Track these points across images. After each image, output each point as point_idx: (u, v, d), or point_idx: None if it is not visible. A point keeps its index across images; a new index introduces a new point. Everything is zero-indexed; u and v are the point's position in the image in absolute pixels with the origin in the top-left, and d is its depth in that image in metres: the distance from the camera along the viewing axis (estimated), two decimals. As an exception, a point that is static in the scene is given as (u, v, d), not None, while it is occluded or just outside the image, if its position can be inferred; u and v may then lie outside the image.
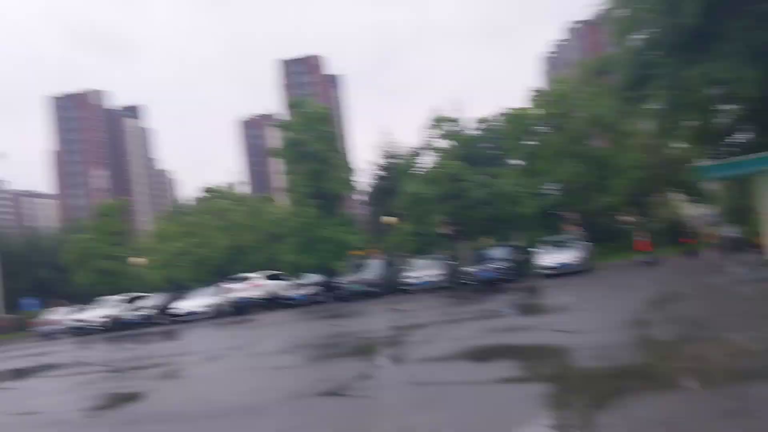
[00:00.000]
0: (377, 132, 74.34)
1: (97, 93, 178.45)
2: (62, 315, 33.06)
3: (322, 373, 9.55)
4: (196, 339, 20.07)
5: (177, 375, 11.56)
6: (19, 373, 16.40)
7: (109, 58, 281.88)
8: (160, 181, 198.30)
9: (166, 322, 29.36)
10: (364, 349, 11.79)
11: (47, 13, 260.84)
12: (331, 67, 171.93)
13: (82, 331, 30.62)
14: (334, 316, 20.67)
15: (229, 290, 28.75)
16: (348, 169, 38.86)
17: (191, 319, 28.07)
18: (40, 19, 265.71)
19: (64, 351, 22.15)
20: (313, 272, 31.64)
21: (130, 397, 9.82)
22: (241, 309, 28.34)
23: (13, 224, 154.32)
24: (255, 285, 28.53)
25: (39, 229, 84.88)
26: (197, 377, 11.11)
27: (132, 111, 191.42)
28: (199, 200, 46.92)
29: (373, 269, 28.11)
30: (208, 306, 28.29)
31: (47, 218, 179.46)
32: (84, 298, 42.22)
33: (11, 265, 50.50)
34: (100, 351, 20.13)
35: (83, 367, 15.35)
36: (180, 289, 33.68)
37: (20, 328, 40.77)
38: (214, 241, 39.52)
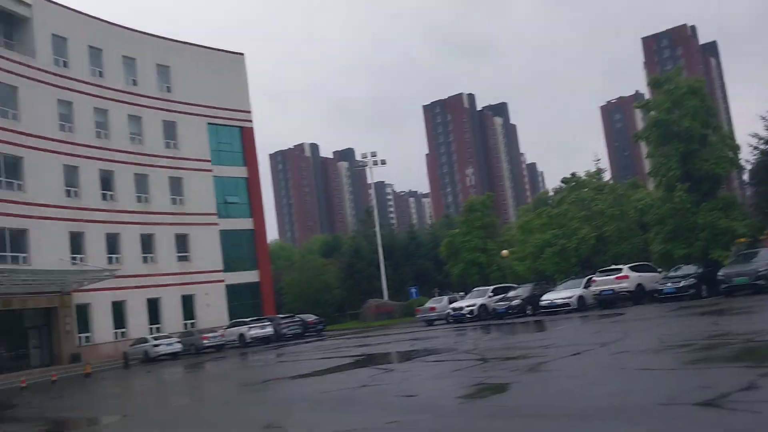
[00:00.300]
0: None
1: (463, 96, 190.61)
2: (440, 303, 36.04)
3: (699, 380, 8.43)
4: (559, 332, 19.87)
5: (540, 368, 11.46)
6: (402, 356, 18.20)
7: (472, 60, 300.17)
8: (525, 175, 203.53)
9: (531, 313, 29.86)
10: (753, 354, 10.16)
11: (415, 23, 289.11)
12: (704, 36, 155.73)
13: (456, 319, 32.95)
14: (713, 313, 18.46)
15: (594, 282, 27.92)
16: (727, 146, 34.39)
17: (555, 311, 28.03)
18: (410, 30, 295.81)
19: (440, 337, 24.03)
20: (687, 263, 28.95)
21: (496, 389, 10.03)
22: (607, 302, 27.32)
23: (398, 222, 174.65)
24: (621, 277, 27.18)
25: (418, 225, 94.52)
26: (560, 372, 10.84)
27: (496, 109, 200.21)
28: (562, 191, 46.81)
29: (763, 259, 24.36)
30: (573, 298, 27.90)
31: (425, 215, 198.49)
32: (457, 287, 45.62)
33: (396, 258, 57.13)
34: (470, 339, 21.28)
35: (455, 354, 16.36)
36: (545, 281, 34.00)
37: (406, 314, 45.74)
38: (577, 232, 38.86)
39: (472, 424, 7.62)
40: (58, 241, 37.93)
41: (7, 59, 37.44)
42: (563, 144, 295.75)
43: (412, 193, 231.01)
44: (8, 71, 37.24)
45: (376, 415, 8.98)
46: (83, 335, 39.04)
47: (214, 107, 49.56)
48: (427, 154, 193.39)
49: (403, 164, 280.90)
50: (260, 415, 10.60)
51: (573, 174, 44.55)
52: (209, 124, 49.39)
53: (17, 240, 36.20)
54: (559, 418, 7.26)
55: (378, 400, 10.43)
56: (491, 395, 9.54)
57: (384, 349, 22.13)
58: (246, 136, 52.04)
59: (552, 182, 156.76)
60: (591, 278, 28.58)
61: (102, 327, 40.08)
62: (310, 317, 44.04)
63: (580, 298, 27.93)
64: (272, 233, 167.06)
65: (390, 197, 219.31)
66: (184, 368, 27.96)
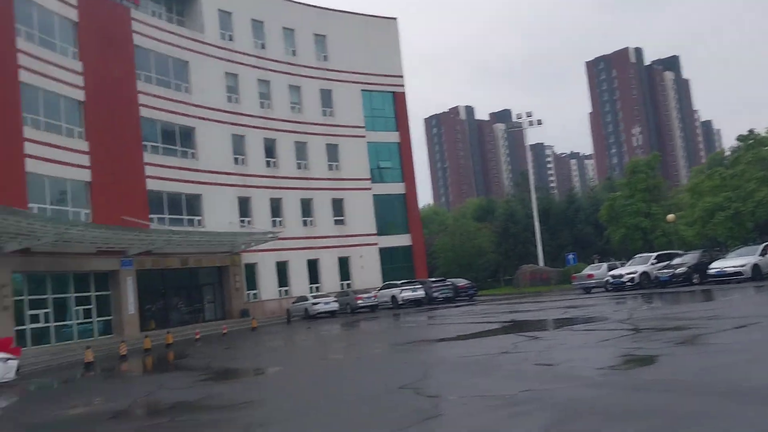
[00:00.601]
0: None
1: (629, 50, 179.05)
2: (599, 270, 34.46)
3: None
4: (727, 302, 18.24)
5: (696, 341, 10.57)
6: (550, 324, 17.62)
7: (638, 14, 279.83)
8: (698, 134, 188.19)
9: (697, 282, 27.71)
10: None
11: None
12: None
13: (615, 287, 31.36)
14: None
15: (772, 249, 25.26)
16: None
17: (726, 280, 25.77)
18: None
19: (595, 305, 22.99)
20: None
21: (642, 361, 9.39)
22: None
23: (558, 185, 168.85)
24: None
25: (580, 189, 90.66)
26: (718, 346, 9.91)
27: (666, 63, 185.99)
28: (738, 150, 42.54)
29: None
30: (746, 266, 25.45)
31: (588, 178, 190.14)
32: (617, 254, 43.30)
33: (553, 223, 55.25)
34: (627, 308, 20.14)
35: (607, 323, 15.55)
36: (715, 248, 31.28)
37: (563, 281, 44.31)
38: (754, 195, 35.24)
39: (610, 396, 7.16)
40: (228, 205, 40.78)
41: (180, 35, 40.41)
42: (745, 100, 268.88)
43: (574, 155, 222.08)
44: (180, 47, 40.21)
45: (511, 382, 8.74)
46: (251, 292, 41.93)
47: (368, 73, 50.39)
48: (590, 113, 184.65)
49: (564, 125, 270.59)
50: (399, 375, 10.72)
51: (750, 131, 40.30)
52: (363, 90, 50.33)
53: (192, 204, 39.41)
54: (708, 396, 6.61)
55: (516, 367, 10.16)
56: (636, 367, 8.94)
57: (534, 316, 21.61)
58: (398, 101, 52.46)
59: (730, 141, 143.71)
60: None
61: (267, 285, 42.79)
62: (462, 281, 44.00)
63: (755, 266, 25.41)
64: (426, 198, 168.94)
65: (549, 159, 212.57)
66: (340, 326, 29.17)
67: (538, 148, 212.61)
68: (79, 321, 31.58)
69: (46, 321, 29.68)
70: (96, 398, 12.70)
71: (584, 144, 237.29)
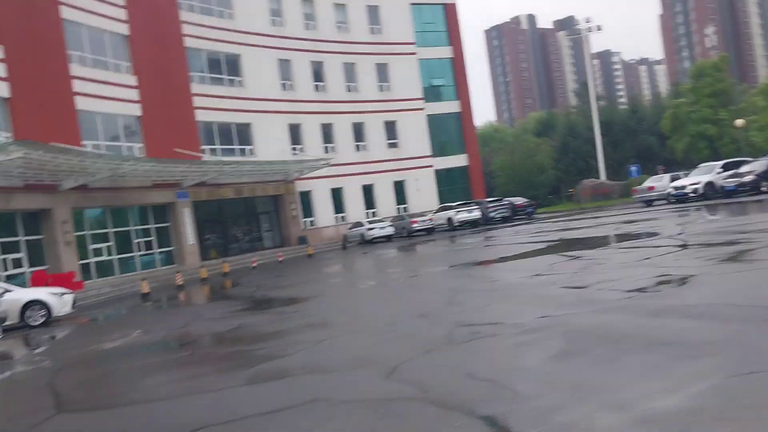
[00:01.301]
0: None
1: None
2: (661, 182, 32.96)
3: None
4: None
5: (741, 258, 9.78)
6: (597, 242, 16.88)
7: None
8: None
9: (766, 190, 26.07)
10: None
11: None
12: None
13: (677, 199, 29.99)
14: None
15: None
16: None
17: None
18: None
19: (652, 219, 21.99)
20: None
21: (676, 282, 8.73)
22: None
23: (627, 94, 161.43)
24: None
25: (651, 96, 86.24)
26: (762, 263, 9.11)
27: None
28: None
29: None
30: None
31: (659, 85, 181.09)
32: (683, 165, 41.20)
33: (615, 134, 52.93)
34: (683, 221, 19.11)
35: (655, 240, 14.74)
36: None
37: (625, 195, 42.78)
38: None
39: (625, 322, 6.64)
40: (279, 133, 40.71)
41: (220, -40, 39.58)
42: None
43: (643, 61, 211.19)
44: (221, -28, 39.42)
45: (530, 308, 8.30)
46: (308, 219, 42.34)
47: (416, -14, 48.46)
48: (660, 15, 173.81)
49: (633, 30, 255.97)
50: (424, 302, 10.48)
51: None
52: (412, 4, 48.49)
53: (243, 134, 39.53)
54: (732, 322, 6.00)
55: (542, 291, 9.69)
56: (666, 289, 8.30)
57: (585, 233, 20.83)
58: (449, 13, 50.40)
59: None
60: None
61: (323, 212, 43.06)
62: (520, 200, 43.08)
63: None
64: (489, 115, 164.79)
65: (617, 67, 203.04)
66: (392, 250, 29.12)
67: (605, 56, 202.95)
68: (141, 253, 32.68)
69: (109, 254, 30.83)
70: (135, 330, 12.99)
71: (654, 49, 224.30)
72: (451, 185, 48.90)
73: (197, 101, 36.49)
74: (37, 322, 17.18)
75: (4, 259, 25.04)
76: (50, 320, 17.30)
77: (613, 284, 9.12)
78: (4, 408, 7.46)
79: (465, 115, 50.13)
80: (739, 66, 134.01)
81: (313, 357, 7.45)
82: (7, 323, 16.65)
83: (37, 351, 11.99)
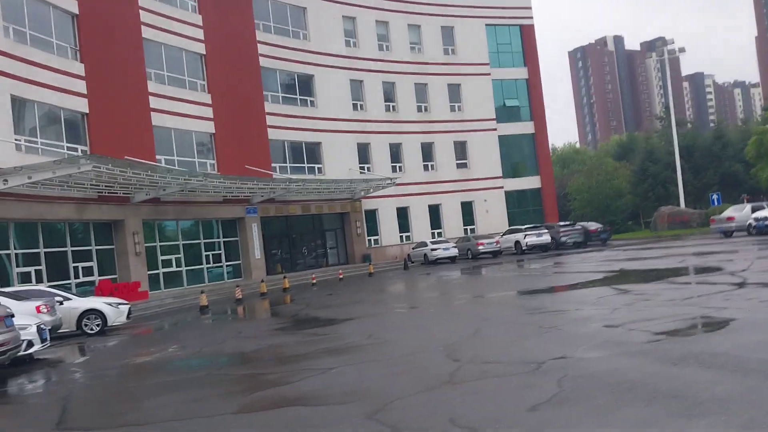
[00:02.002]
0: None
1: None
2: (741, 212, 31.10)
3: None
4: None
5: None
6: (654, 275, 15.95)
7: None
8: None
9: None
10: None
11: None
12: None
13: (758, 231, 28.20)
14: None
15: None
16: None
17: None
18: None
19: (723, 252, 20.69)
20: None
21: (713, 325, 8.05)
22: None
23: (718, 118, 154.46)
24: None
25: (733, 121, 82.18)
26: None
27: None
28: None
29: None
30: None
31: (755, 108, 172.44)
32: (757, 194, 38.69)
33: (697, 160, 50.48)
34: (754, 257, 17.85)
35: (716, 275, 13.79)
36: None
37: (705, 224, 40.63)
38: None
39: (638, 370, 6.12)
40: (347, 152, 41.02)
41: (296, -17, 40.50)
42: None
43: (738, 84, 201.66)
44: (296, -6, 40.31)
45: (556, 345, 7.89)
46: (372, 238, 42.36)
47: (492, 6, 47.96)
48: (756, 37, 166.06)
49: (729, 52, 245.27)
50: (450, 332, 10.14)
51: None
52: (487, 25, 48.08)
53: (313, 152, 40.08)
54: (753, 375, 5.41)
55: (575, 328, 9.18)
56: (698, 333, 7.67)
57: (648, 264, 19.80)
58: (526, 34, 49.66)
59: None
60: None
61: (388, 231, 42.99)
62: (593, 225, 41.61)
63: None
64: (571, 136, 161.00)
65: (709, 90, 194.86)
66: (453, 272, 28.64)
67: (697, 78, 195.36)
68: (209, 265, 33.51)
69: (178, 265, 31.75)
70: (174, 345, 13.18)
71: (751, 72, 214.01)
72: (522, 207, 47.91)
73: (270, 120, 37.29)
74: (93, 331, 17.80)
75: (76, 267, 26.17)
76: (106, 329, 17.88)
77: (648, 324, 8.51)
78: (7, 421, 7.62)
79: (539, 136, 49.06)
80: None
81: (314, 386, 7.25)
82: (64, 330, 17.33)
83: (76, 362, 12.34)
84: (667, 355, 6.60)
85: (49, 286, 23.14)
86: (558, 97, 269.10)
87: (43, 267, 24.38)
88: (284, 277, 29.32)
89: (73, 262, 26.14)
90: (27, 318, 13.32)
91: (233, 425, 5.94)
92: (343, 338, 11.21)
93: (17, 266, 23.19)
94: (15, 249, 23.21)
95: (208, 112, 33.91)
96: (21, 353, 12.51)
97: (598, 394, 5.48)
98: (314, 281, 30.52)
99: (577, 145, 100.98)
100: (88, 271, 26.85)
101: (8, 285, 21.60)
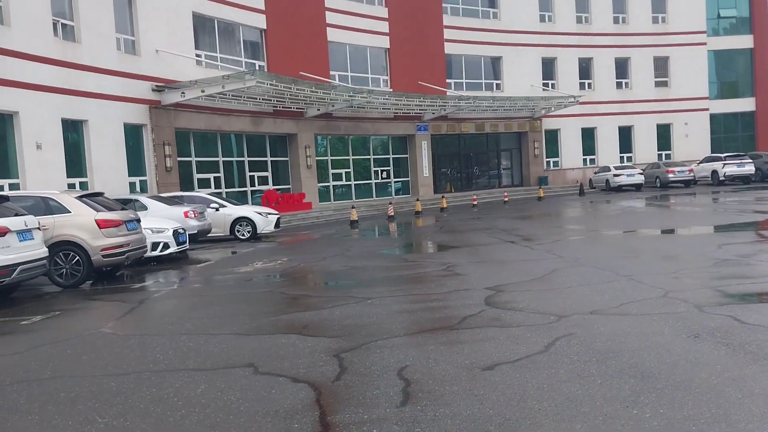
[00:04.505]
0: None
1: None
2: None
3: None
4: None
5: None
6: None
7: None
8: None
9: None
10: None
11: None
12: None
13: None
14: None
15: None
16: None
17: None
18: None
19: None
20: None
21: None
22: None
23: None
24: None
25: None
26: None
27: None
28: None
29: None
30: None
31: None
32: None
33: None
34: None
35: None
36: None
37: None
38: None
39: (652, 345, 5.18)
40: (530, 67, 38.90)
41: None
42: None
43: None
44: None
45: (606, 298, 6.96)
46: (551, 159, 40.40)
47: None
48: None
49: None
50: (524, 272, 9.42)
51: None
52: None
53: (492, 68, 38.61)
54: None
55: (653, 279, 8.03)
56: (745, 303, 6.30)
57: None
58: (754, -71, 42.52)
59: None
60: None
61: (570, 153, 40.63)
62: (817, 155, 35.79)
63: None
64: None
65: None
66: (633, 201, 26.55)
67: None
68: (378, 180, 34.39)
69: (347, 180, 32.98)
70: (288, 257, 13.83)
71: None
72: (729, 133, 42.56)
73: (448, 33, 36.36)
74: (245, 237, 19.26)
75: (252, 177, 28.26)
76: (257, 234, 19.24)
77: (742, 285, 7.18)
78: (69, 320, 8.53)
79: (759, 51, 42.54)
80: None
81: (332, 315, 7.16)
82: (218, 234, 18.98)
83: (198, 267, 13.43)
84: (693, 330, 5.52)
85: (227, 193, 25.52)
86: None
87: (221, 174, 26.65)
88: (443, 197, 29.21)
89: (250, 172, 28.21)
90: (166, 222, 14.71)
91: (223, 344, 6.06)
92: (425, 266, 10.95)
93: (197, 172, 25.57)
94: (195, 156, 25.54)
95: (384, 26, 33.86)
96: (156, 254, 13.98)
97: (603, 378, 4.73)
98: (475, 202, 30.05)
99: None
100: (263, 181, 28.88)
101: (191, 189, 23.96)
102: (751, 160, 33.99)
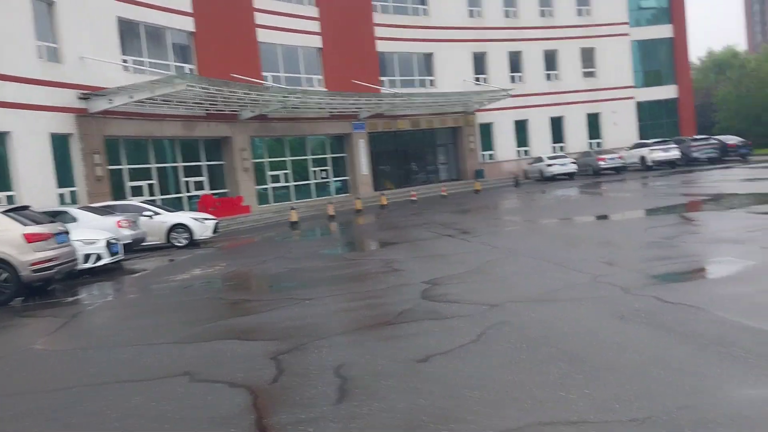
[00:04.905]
0: None
1: None
2: None
3: None
4: None
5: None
6: (736, 203, 14.10)
7: None
8: None
9: None
10: None
11: None
12: None
13: None
14: None
15: None
16: None
17: None
18: None
19: None
20: None
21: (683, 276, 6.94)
22: None
23: None
24: None
25: None
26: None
27: None
28: None
29: None
30: None
31: None
32: None
33: None
34: None
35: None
36: None
37: None
38: None
39: (540, 316, 5.38)
40: (462, 62, 39.44)
41: None
42: None
43: None
44: None
45: (530, 288, 7.16)
46: (487, 153, 41.08)
47: None
48: None
49: None
50: (456, 264, 9.60)
51: None
52: None
53: (424, 64, 38.96)
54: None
55: (567, 259, 8.31)
56: (668, 282, 6.62)
57: (754, 188, 17.60)
58: (668, -76, 44.20)
59: None
60: None
61: (504, 145, 41.41)
62: (733, 139, 37.52)
63: None
64: (737, 38, 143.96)
65: None
66: (564, 189, 27.28)
67: None
68: (317, 181, 34.28)
69: (286, 181, 32.74)
70: (225, 263, 13.68)
71: None
72: (655, 120, 44.19)
73: (379, 31, 36.51)
74: (182, 244, 18.91)
75: (187, 182, 27.74)
76: (195, 241, 18.91)
77: (636, 266, 7.51)
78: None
79: (679, 40, 44.33)
80: None
81: (271, 318, 7.15)
82: (154, 242, 18.57)
83: (133, 277, 13.12)
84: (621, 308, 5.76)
85: (162, 200, 24.96)
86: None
87: (155, 181, 26.06)
88: (382, 195, 29.36)
89: (185, 177, 27.68)
90: (98, 233, 14.31)
91: (159, 354, 5.97)
92: (364, 264, 11.02)
93: (130, 180, 24.94)
94: (127, 164, 24.90)
95: (315, 26, 33.75)
96: (89, 265, 13.58)
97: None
98: (414, 198, 30.32)
99: (739, 49, 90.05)
100: (199, 186, 28.37)
101: (122, 198, 23.33)
102: (676, 146, 35.41)
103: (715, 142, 36.44)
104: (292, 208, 24.16)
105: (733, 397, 3.63)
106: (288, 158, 32.93)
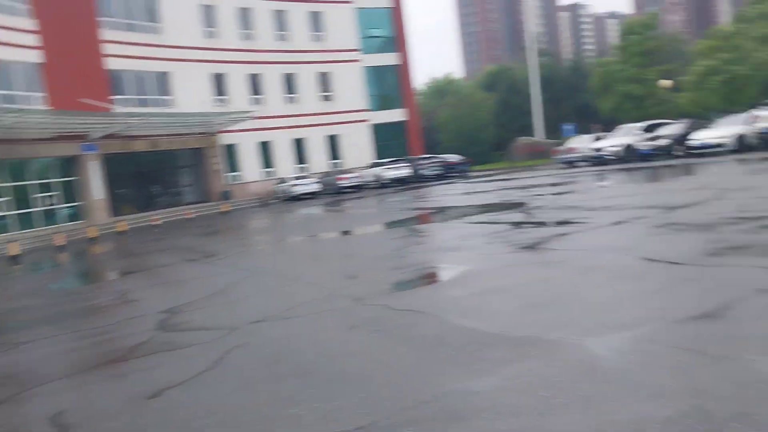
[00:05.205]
0: None
1: None
2: (582, 143, 32.02)
3: None
4: (671, 184, 16.10)
5: (541, 246, 8.76)
6: (459, 213, 15.84)
7: None
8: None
9: (682, 155, 25.21)
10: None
11: None
12: None
13: (598, 161, 29.11)
14: None
15: (758, 119, 22.45)
16: None
17: (709, 152, 23.27)
18: None
19: (549, 185, 21.01)
20: None
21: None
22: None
23: (598, 50, 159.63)
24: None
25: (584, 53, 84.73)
26: (552, 254, 8.08)
27: None
28: (750, 7, 37.20)
29: None
30: (730, 138, 22.81)
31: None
32: (611, 124, 40.23)
33: (556, 92, 51.68)
34: (576, 188, 18.16)
35: (512, 213, 13.70)
36: (706, 117, 28.25)
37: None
38: (754, 57, 31.29)
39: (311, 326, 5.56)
40: (201, 83, 38.75)
41: None
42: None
43: (613, 15, 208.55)
44: None
45: (255, 312, 7.21)
46: (233, 174, 40.77)
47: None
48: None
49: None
50: (221, 279, 9.36)
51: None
52: (348, -49, 46.15)
53: (161, 83, 37.53)
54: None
55: (318, 279, 8.61)
56: (408, 289, 7.27)
57: (470, 200, 19.80)
58: (390, -40, 48.13)
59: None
60: (755, 114, 23.02)
61: (250, 166, 41.49)
62: (453, 158, 41.87)
63: (741, 137, 22.74)
64: (455, 65, 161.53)
65: (587, 21, 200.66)
66: (310, 208, 27.93)
67: (576, 9, 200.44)
68: (44, 208, 31.04)
69: (8, 209, 29.16)
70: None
71: (627, 2, 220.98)
72: (388, 140, 47.54)
73: (110, 48, 34.35)
74: None
75: None
76: None
77: (381, 275, 8.07)
78: None
79: (404, 68, 48.39)
80: (704, 24, 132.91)
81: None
82: None
83: None
84: (348, 312, 6.10)
85: None
86: (443, 25, 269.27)
87: None
88: (121, 220, 27.56)
89: None
90: None
91: None
92: (96, 297, 10.23)
93: None
94: None
95: (34, 40, 30.69)
96: None
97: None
98: (158, 222, 28.93)
99: (457, 76, 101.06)
100: None
101: None
102: (407, 164, 38.44)
103: (439, 160, 40.28)
104: (9, 241, 21.50)
105: (447, 393, 3.98)
106: (8, 184, 29.36)
